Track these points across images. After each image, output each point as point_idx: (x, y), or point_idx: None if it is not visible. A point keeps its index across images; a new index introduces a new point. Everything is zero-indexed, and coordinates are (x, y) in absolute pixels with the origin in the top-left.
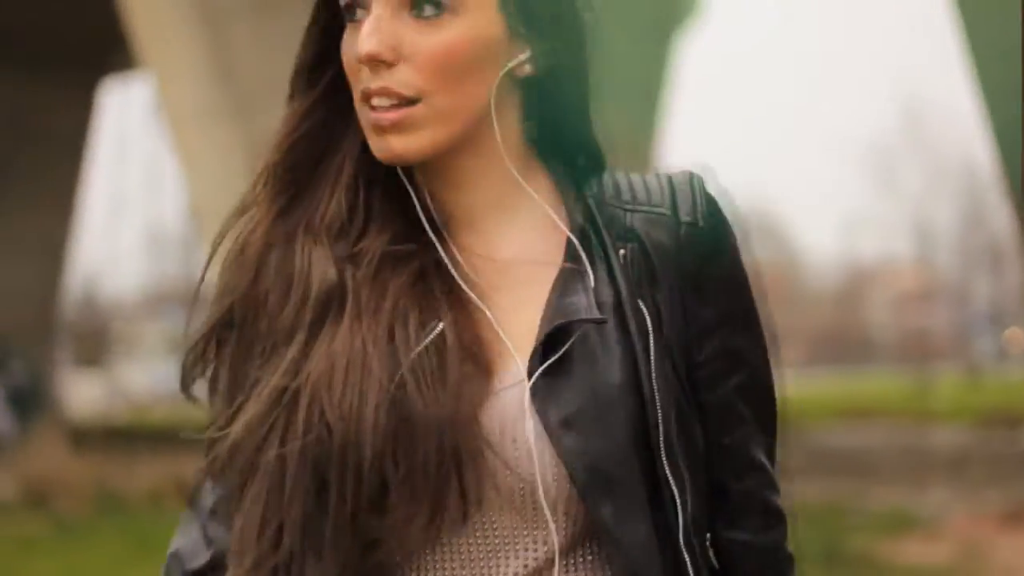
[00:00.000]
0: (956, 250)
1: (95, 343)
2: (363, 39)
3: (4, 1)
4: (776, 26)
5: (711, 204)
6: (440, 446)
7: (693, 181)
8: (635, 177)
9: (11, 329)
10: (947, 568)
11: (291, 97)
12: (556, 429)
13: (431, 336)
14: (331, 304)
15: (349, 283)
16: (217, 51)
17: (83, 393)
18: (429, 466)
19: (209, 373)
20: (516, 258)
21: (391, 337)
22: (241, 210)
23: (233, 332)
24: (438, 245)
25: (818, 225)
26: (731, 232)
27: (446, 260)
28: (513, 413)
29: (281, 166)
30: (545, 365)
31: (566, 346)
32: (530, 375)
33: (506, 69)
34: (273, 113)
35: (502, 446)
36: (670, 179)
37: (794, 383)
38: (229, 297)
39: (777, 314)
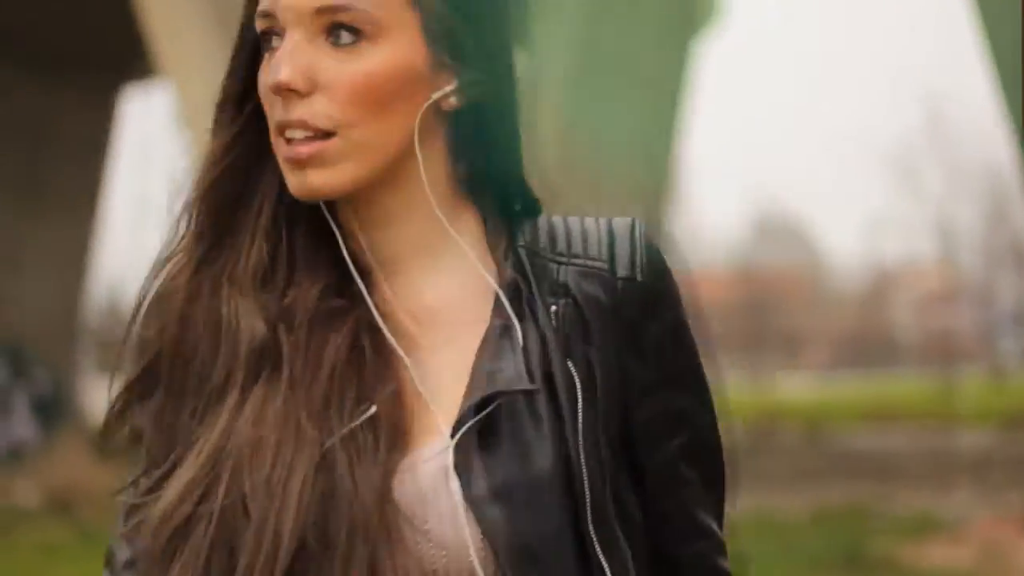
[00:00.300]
0: (979, 250)
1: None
2: (275, 67)
3: (28, 6)
4: (798, 25)
5: (652, 257)
6: (359, 523)
7: (634, 231)
8: (572, 223)
9: (34, 337)
10: (970, 571)
11: (213, 131)
12: (480, 503)
13: (364, 417)
14: (263, 362)
15: (284, 340)
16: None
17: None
18: (346, 544)
19: (131, 429)
20: (443, 311)
21: (325, 409)
22: (165, 256)
23: (159, 388)
24: (367, 297)
25: (841, 227)
26: (673, 287)
27: (377, 318)
28: (435, 486)
29: (202, 207)
30: (459, 435)
31: (486, 414)
32: (454, 447)
33: (430, 101)
34: None
35: (422, 521)
36: (610, 228)
37: (818, 386)
38: (153, 350)
39: (801, 317)
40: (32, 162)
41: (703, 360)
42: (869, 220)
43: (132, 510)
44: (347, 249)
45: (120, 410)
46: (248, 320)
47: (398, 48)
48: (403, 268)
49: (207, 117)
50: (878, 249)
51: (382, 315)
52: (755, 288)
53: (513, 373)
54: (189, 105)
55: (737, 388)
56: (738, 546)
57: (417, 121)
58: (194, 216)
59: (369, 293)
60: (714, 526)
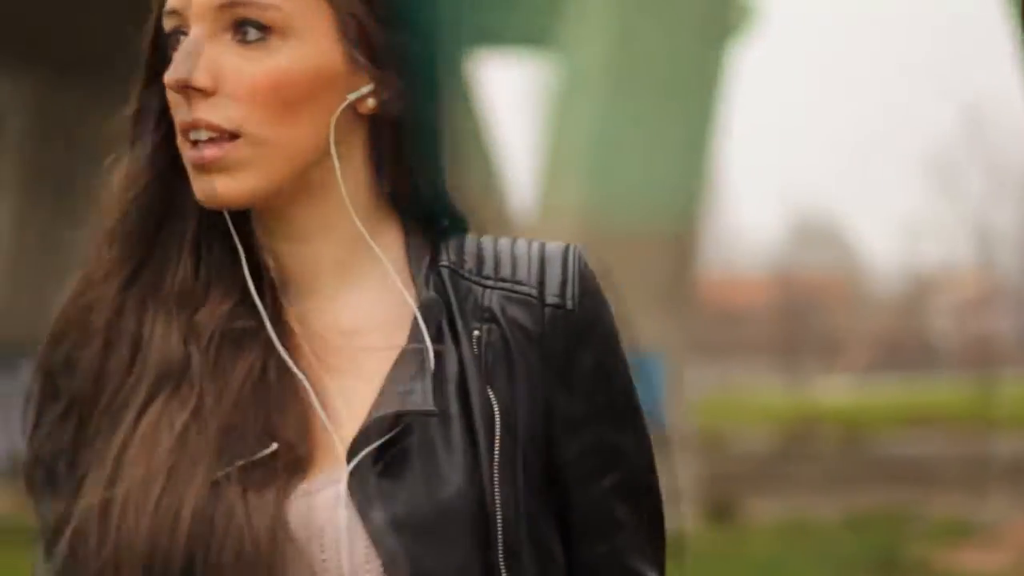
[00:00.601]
0: (1018, 255)
1: None
2: (175, 64)
3: (67, 9)
4: (836, 28)
5: (585, 284)
6: (248, 555)
7: (568, 256)
8: (503, 245)
9: None
10: None
11: (131, 143)
12: (379, 533)
13: (264, 453)
14: (166, 383)
15: (194, 362)
16: None
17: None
18: (230, 570)
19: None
20: (358, 332)
21: (226, 437)
22: (86, 276)
23: (75, 412)
24: (265, 318)
25: (879, 230)
26: (606, 317)
27: (275, 341)
28: (332, 516)
29: (125, 226)
30: (356, 460)
31: (391, 438)
32: (351, 472)
33: (345, 104)
34: None
35: (318, 553)
36: (542, 252)
37: (855, 390)
38: (71, 373)
39: (838, 321)
40: (70, 165)
41: (637, 395)
42: (907, 224)
43: (48, 544)
44: (264, 264)
45: (36, 438)
46: (160, 340)
47: (309, 46)
48: (319, 286)
49: None
50: (916, 253)
51: (294, 336)
52: (793, 292)
53: (420, 396)
54: None
55: (775, 392)
56: None
57: (332, 125)
58: (117, 236)
59: (283, 312)
60: (651, 575)
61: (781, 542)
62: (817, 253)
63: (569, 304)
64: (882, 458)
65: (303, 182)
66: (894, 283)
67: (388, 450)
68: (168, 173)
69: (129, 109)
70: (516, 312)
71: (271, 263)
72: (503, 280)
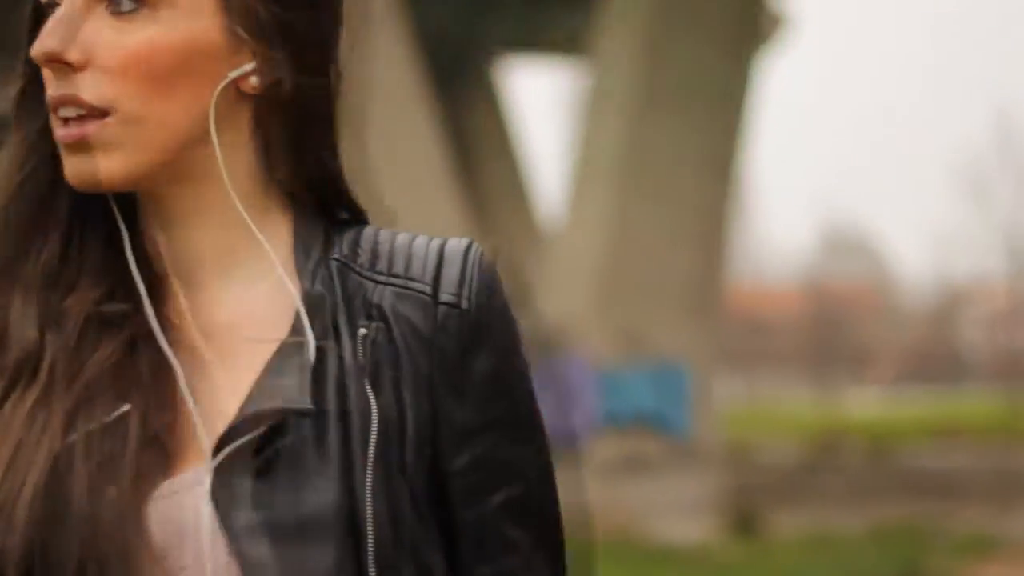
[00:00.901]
0: None
1: None
2: (42, 37)
3: None
4: (867, 39)
5: (484, 284)
6: (89, 547)
7: (468, 254)
8: (401, 240)
9: None
10: None
11: (16, 125)
12: (240, 537)
13: (111, 418)
14: (23, 372)
15: (48, 349)
16: None
17: None
18: (72, 569)
19: None
20: (239, 325)
21: (73, 419)
22: None
23: None
24: (148, 307)
25: (909, 242)
26: (505, 320)
27: (155, 327)
28: (188, 515)
29: (11, 211)
30: (220, 457)
31: (260, 435)
32: (219, 472)
33: (226, 81)
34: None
35: (177, 557)
36: (441, 249)
37: (884, 401)
38: None
39: (869, 332)
40: None
41: (537, 406)
42: (938, 234)
43: None
44: (146, 251)
45: None
46: (20, 327)
47: (186, 17)
48: (200, 275)
49: None
50: (946, 264)
51: (172, 326)
52: (822, 303)
53: (295, 393)
54: None
55: (804, 404)
56: None
57: (213, 103)
58: (6, 220)
59: (163, 301)
60: None
61: (805, 555)
62: (847, 264)
63: (464, 304)
64: (909, 471)
65: (182, 164)
66: (924, 294)
67: (264, 450)
68: (47, 158)
69: (12, 87)
70: (407, 310)
71: (151, 250)
72: (396, 276)
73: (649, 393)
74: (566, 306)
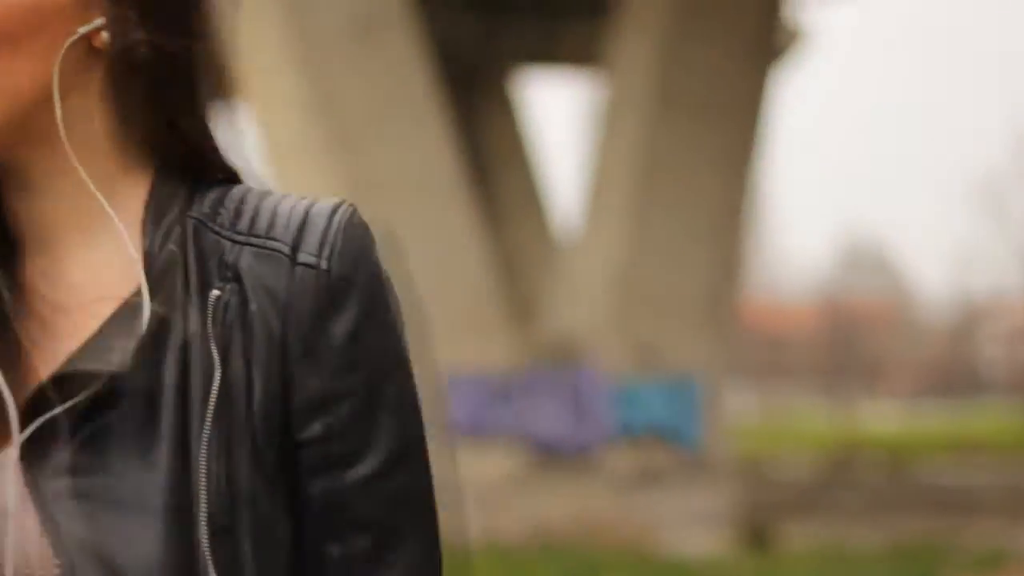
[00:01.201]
0: None
1: None
2: None
3: None
4: (884, 56)
5: (349, 245)
6: None
7: (335, 214)
8: (268, 200)
9: None
10: None
11: None
12: (52, 508)
13: None
14: None
15: None
16: (316, 83)
17: None
18: None
19: None
20: (82, 291)
21: None
22: None
23: None
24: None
25: (928, 258)
26: (372, 284)
27: (4, 293)
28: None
29: None
30: (33, 427)
31: (81, 402)
32: (34, 443)
33: (74, 37)
34: (371, 145)
35: (0, 536)
36: (308, 209)
37: (902, 416)
38: None
39: (887, 347)
40: None
41: (408, 380)
42: (956, 250)
43: None
44: (2, 214)
45: None
46: None
47: None
48: (54, 241)
49: (289, 146)
50: (965, 280)
51: (24, 295)
52: (840, 318)
53: (120, 356)
54: (271, 134)
55: (820, 418)
56: None
57: (57, 62)
58: None
59: (18, 269)
60: None
61: (819, 569)
62: (865, 279)
63: (324, 264)
64: (925, 486)
65: (29, 127)
66: (942, 310)
67: (93, 418)
68: None
69: None
70: (263, 270)
71: (8, 213)
72: (256, 235)
73: (663, 406)
74: (581, 318)
